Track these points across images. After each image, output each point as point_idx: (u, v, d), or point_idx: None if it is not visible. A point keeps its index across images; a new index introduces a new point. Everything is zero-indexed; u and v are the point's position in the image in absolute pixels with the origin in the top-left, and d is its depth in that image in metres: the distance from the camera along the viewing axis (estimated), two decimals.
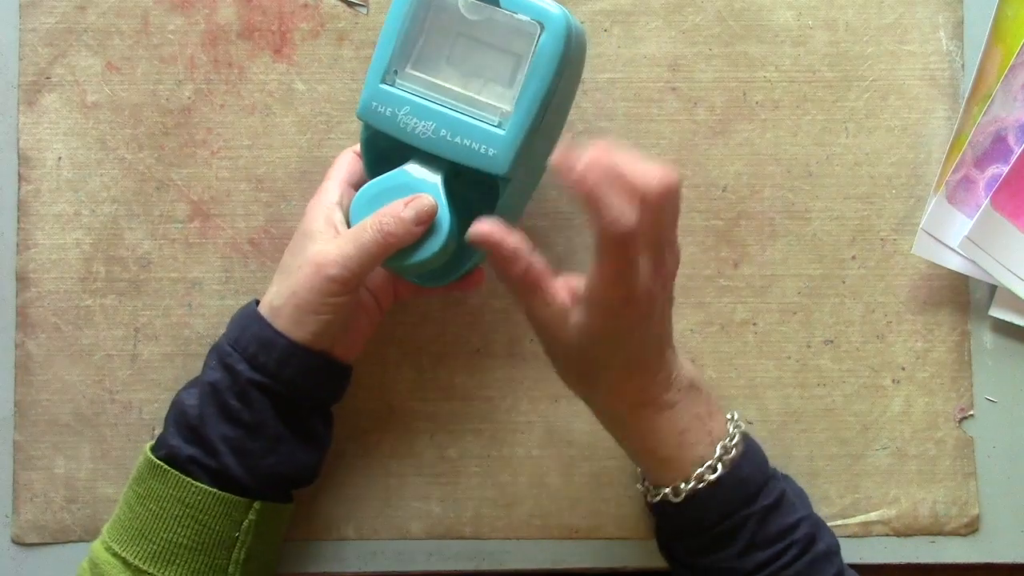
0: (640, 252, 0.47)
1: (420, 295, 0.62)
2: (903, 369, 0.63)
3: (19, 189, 0.63)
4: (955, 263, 0.62)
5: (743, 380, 0.63)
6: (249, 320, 0.55)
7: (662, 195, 0.46)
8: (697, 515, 0.53)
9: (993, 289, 0.63)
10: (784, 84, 0.64)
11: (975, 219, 0.61)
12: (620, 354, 0.50)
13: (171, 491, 0.54)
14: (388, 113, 0.54)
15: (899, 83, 0.64)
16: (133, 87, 0.64)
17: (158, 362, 0.63)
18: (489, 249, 0.49)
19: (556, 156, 0.46)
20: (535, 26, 0.52)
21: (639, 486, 0.56)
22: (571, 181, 0.45)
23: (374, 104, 0.54)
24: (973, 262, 0.62)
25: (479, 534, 0.62)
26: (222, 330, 0.62)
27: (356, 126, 0.63)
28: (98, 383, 0.63)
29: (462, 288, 0.59)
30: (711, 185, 0.63)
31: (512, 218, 0.56)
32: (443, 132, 0.53)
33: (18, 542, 0.62)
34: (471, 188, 0.55)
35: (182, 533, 0.53)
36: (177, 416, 0.55)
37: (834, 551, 0.55)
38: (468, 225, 0.50)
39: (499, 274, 0.50)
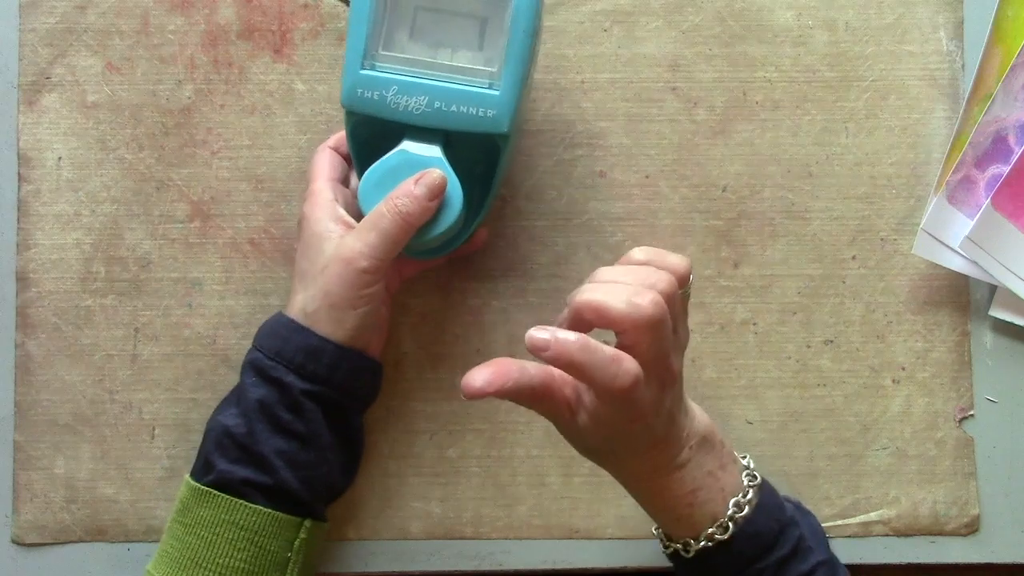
0: (648, 380, 0.47)
1: (424, 268, 0.62)
2: (903, 369, 0.63)
3: (19, 189, 0.63)
4: (955, 263, 0.62)
5: (743, 380, 0.63)
6: (288, 331, 0.54)
7: (656, 321, 0.46)
8: (709, 570, 0.52)
9: (993, 289, 0.63)
10: (784, 84, 0.64)
11: (976, 219, 0.61)
12: (631, 444, 0.50)
13: (223, 515, 0.53)
14: (376, 97, 0.54)
15: (899, 83, 0.64)
16: (133, 87, 0.64)
17: (158, 362, 0.63)
18: (494, 396, 0.47)
19: (528, 338, 0.45)
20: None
21: (653, 531, 0.56)
22: (550, 359, 0.44)
23: (359, 91, 0.54)
24: (974, 262, 0.62)
25: (479, 534, 0.62)
26: (222, 330, 0.63)
27: None
28: (98, 383, 0.63)
29: (466, 251, 0.60)
30: (711, 185, 0.63)
31: (506, 172, 0.58)
32: (437, 104, 0.54)
33: (18, 542, 0.62)
34: (466, 152, 0.56)
35: (238, 557, 0.53)
36: (220, 439, 0.54)
37: None
38: (472, 190, 0.52)
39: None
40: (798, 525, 0.54)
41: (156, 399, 0.63)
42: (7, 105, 0.64)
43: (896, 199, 0.64)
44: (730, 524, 0.52)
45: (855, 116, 0.64)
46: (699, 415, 0.53)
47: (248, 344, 0.63)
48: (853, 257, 0.63)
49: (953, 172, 0.62)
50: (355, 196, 0.56)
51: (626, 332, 0.46)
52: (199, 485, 0.54)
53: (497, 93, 0.54)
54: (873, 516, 0.62)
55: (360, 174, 0.56)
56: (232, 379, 0.63)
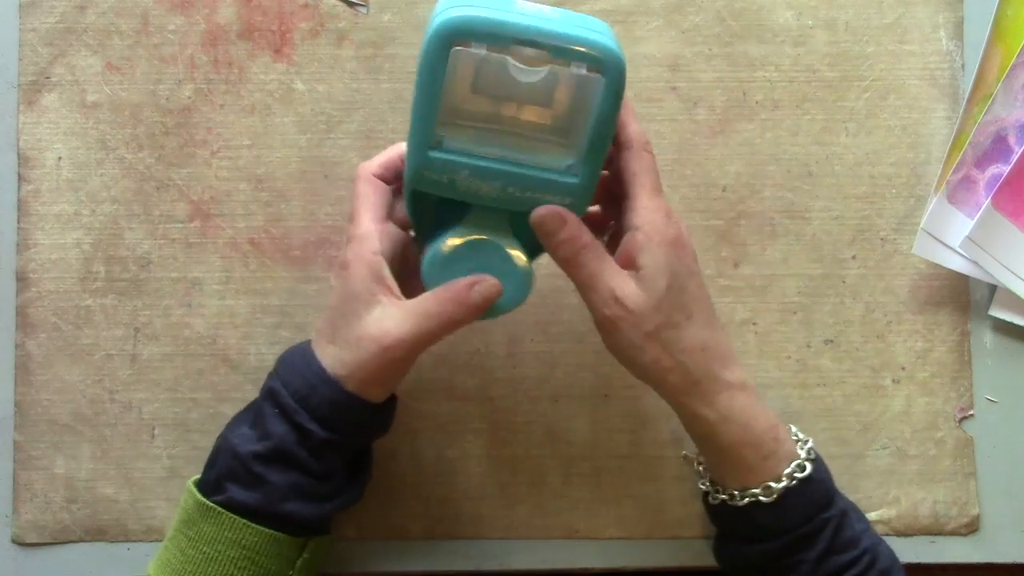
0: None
1: None
2: (903, 369, 0.63)
3: (19, 189, 0.63)
4: (955, 263, 0.62)
5: None
6: (317, 379, 0.53)
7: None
8: (782, 516, 0.52)
9: (993, 289, 0.63)
10: (784, 84, 0.64)
11: (976, 219, 0.61)
12: (697, 303, 0.51)
13: (227, 533, 0.53)
14: (445, 180, 0.50)
15: (899, 83, 0.64)
16: (133, 87, 0.64)
17: (158, 362, 0.63)
18: (552, 231, 0.50)
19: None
20: (594, 77, 0.48)
21: (710, 492, 0.55)
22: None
23: (426, 173, 0.50)
24: (974, 262, 0.62)
25: (479, 534, 0.62)
26: (222, 330, 0.63)
27: (355, 126, 0.63)
28: (98, 383, 0.63)
29: None
30: (711, 185, 0.63)
31: None
32: (511, 190, 0.50)
33: (18, 542, 0.62)
34: (524, 225, 0.52)
35: (238, 575, 0.53)
36: (233, 464, 0.54)
37: (897, 564, 0.55)
38: (532, 253, 0.52)
39: (564, 259, 0.51)
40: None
41: (156, 399, 0.63)
42: (7, 105, 0.64)
43: (896, 199, 0.64)
44: (807, 464, 0.53)
45: (855, 116, 0.64)
46: None
47: (248, 344, 0.63)
48: (853, 257, 0.63)
49: (953, 172, 0.62)
50: (403, 230, 0.55)
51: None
52: (205, 501, 0.54)
53: (576, 180, 0.50)
54: (873, 516, 0.62)
55: (417, 230, 0.54)
56: (232, 379, 0.63)
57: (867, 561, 0.53)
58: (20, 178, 0.63)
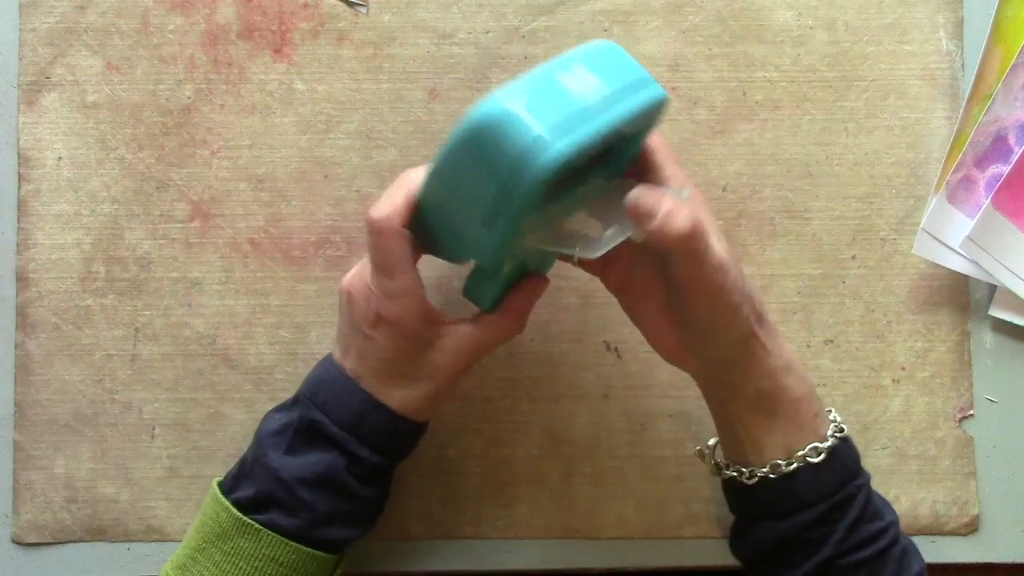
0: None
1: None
2: (903, 369, 0.63)
3: (19, 189, 0.63)
4: (955, 263, 0.62)
5: None
6: (365, 407, 0.53)
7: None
8: (823, 480, 0.52)
9: (993, 289, 0.63)
10: (784, 84, 0.64)
11: (976, 219, 0.61)
12: (734, 307, 0.50)
13: (264, 550, 0.53)
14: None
15: (899, 83, 0.64)
16: (133, 87, 0.64)
17: (158, 362, 0.63)
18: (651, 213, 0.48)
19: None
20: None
21: (742, 475, 0.54)
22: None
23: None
24: (974, 262, 0.62)
25: (479, 534, 0.62)
26: (222, 330, 0.63)
27: (355, 126, 0.63)
28: (98, 383, 0.63)
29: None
30: (711, 185, 0.63)
31: None
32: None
33: (18, 542, 0.62)
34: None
35: None
36: (274, 487, 0.53)
37: (915, 548, 0.55)
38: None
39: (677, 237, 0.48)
40: None
41: (156, 399, 0.63)
42: (7, 105, 0.64)
43: (896, 199, 0.64)
44: (844, 426, 0.53)
45: (855, 116, 0.64)
46: None
47: (248, 344, 0.63)
48: (853, 257, 0.63)
49: (953, 172, 0.62)
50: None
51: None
52: (243, 517, 0.53)
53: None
54: None
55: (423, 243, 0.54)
56: (232, 379, 0.63)
57: (894, 533, 0.52)
58: (20, 178, 0.63)
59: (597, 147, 0.47)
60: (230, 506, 0.54)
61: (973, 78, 0.62)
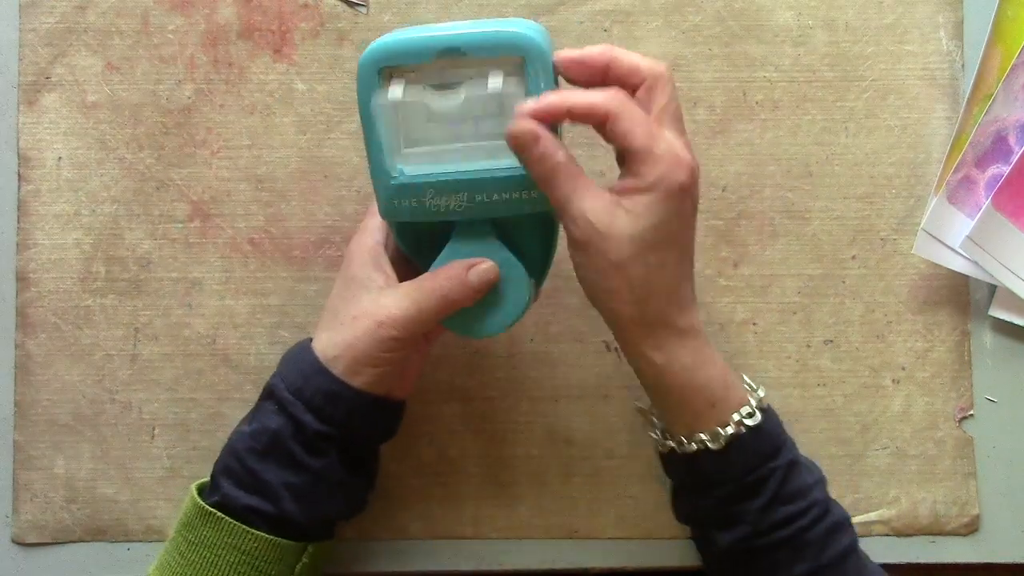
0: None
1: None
2: (903, 369, 0.63)
3: (19, 189, 0.63)
4: (955, 263, 0.62)
5: None
6: (311, 370, 0.53)
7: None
8: (729, 463, 0.52)
9: (993, 289, 0.63)
10: (784, 84, 0.64)
11: (976, 219, 0.61)
12: (677, 249, 0.50)
13: (226, 538, 0.53)
14: (414, 204, 0.52)
15: (899, 83, 0.64)
16: (133, 87, 0.64)
17: (158, 362, 0.63)
18: (526, 145, 0.49)
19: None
20: (515, 62, 0.50)
21: (659, 440, 0.54)
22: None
23: (395, 202, 0.52)
24: (974, 262, 0.62)
25: (479, 534, 0.63)
26: (222, 330, 0.63)
27: (355, 126, 0.63)
28: (98, 383, 0.63)
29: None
30: (711, 185, 0.63)
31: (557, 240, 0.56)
32: (478, 198, 0.51)
33: (18, 542, 0.62)
34: (519, 230, 0.54)
35: None
36: (229, 461, 0.54)
37: (848, 522, 0.54)
38: (529, 267, 0.52)
39: (539, 176, 0.49)
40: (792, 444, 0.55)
41: (156, 399, 0.63)
42: (7, 105, 0.64)
43: (896, 199, 0.64)
44: (757, 412, 0.52)
45: (855, 116, 0.64)
46: None
47: (248, 344, 0.63)
48: (853, 257, 0.63)
49: (953, 172, 0.62)
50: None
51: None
52: (204, 505, 0.54)
53: None
54: (873, 516, 0.62)
55: (420, 263, 0.54)
56: (232, 379, 0.63)
57: (816, 513, 0.52)
58: (20, 178, 0.63)
59: (427, 52, 0.49)
60: (194, 493, 0.55)
61: (973, 78, 0.62)
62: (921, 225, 0.62)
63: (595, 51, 0.50)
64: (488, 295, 0.53)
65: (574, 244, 0.50)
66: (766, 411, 0.53)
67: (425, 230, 0.54)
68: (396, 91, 0.50)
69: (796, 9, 0.64)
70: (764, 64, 0.64)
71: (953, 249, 0.62)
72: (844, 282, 0.63)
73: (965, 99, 0.62)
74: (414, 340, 0.53)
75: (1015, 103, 0.62)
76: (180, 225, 0.63)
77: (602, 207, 0.49)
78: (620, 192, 0.49)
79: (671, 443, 0.53)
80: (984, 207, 0.61)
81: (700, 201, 0.63)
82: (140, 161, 0.63)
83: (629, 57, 0.50)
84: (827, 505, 0.53)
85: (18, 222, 0.63)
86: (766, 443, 0.52)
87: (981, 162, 0.62)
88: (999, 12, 0.62)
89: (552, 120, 0.49)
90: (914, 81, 0.64)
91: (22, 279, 0.63)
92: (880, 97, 0.64)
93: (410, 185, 0.51)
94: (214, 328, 0.63)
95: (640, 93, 0.50)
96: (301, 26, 0.64)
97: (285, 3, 0.64)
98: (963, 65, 0.64)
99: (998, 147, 0.62)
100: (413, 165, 0.51)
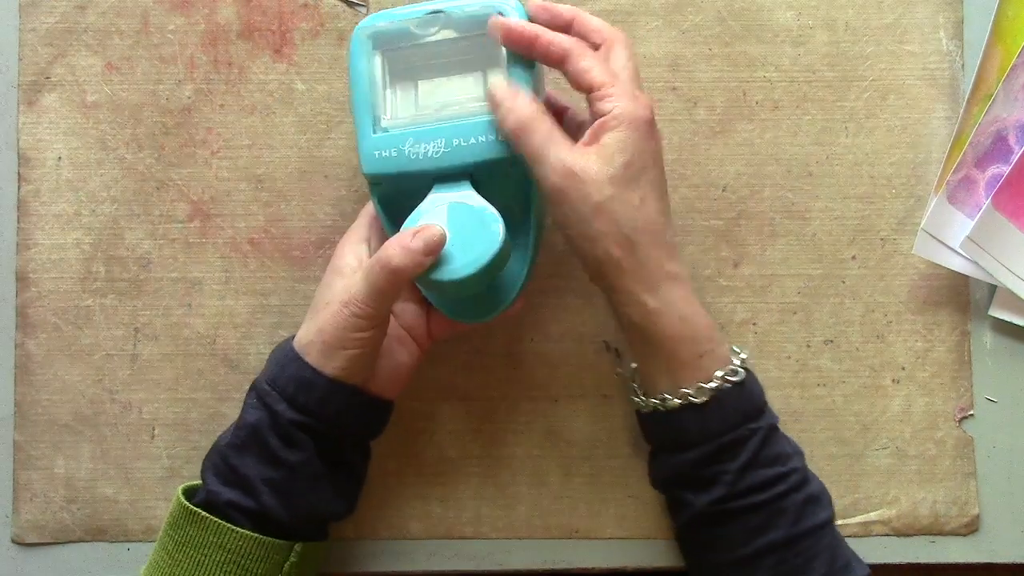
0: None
1: (455, 331, 0.60)
2: (903, 369, 0.63)
3: (19, 189, 0.63)
4: (955, 263, 0.62)
5: None
6: (286, 359, 0.54)
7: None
8: (710, 420, 0.52)
9: (993, 289, 0.63)
10: (784, 84, 0.64)
11: (976, 219, 0.61)
12: (652, 187, 0.51)
13: (211, 537, 0.53)
14: (394, 154, 0.54)
15: (899, 83, 0.64)
16: (133, 87, 0.64)
17: (158, 362, 0.63)
18: (500, 100, 0.52)
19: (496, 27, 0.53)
20: (492, 12, 0.53)
21: (641, 401, 0.55)
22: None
23: (376, 153, 0.54)
24: (974, 262, 0.62)
25: (479, 534, 0.63)
26: (222, 330, 0.63)
27: None
28: (98, 383, 0.63)
29: (505, 315, 0.58)
30: (711, 185, 0.63)
31: (543, 221, 0.57)
32: (456, 141, 0.53)
33: (18, 542, 0.62)
34: (499, 198, 0.54)
35: None
36: (214, 456, 0.55)
37: (826, 498, 0.54)
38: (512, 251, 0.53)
39: (513, 129, 0.51)
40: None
41: (156, 399, 0.63)
42: (7, 105, 0.64)
43: (896, 199, 0.64)
44: (741, 370, 0.52)
45: (855, 116, 0.64)
46: None
47: (248, 344, 0.63)
48: (853, 257, 0.63)
49: (953, 172, 0.62)
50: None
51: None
52: (188, 504, 0.54)
53: None
54: (873, 516, 0.62)
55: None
56: (232, 379, 0.63)
57: (795, 480, 0.52)
58: (20, 178, 0.63)
59: (415, 16, 0.54)
60: (179, 494, 0.55)
61: (973, 78, 0.62)
62: (921, 225, 0.62)
63: (563, 7, 0.54)
64: (464, 247, 0.52)
65: (554, 196, 0.51)
66: (749, 372, 0.53)
67: (406, 203, 0.54)
68: (382, 54, 0.55)
69: (796, 9, 0.64)
70: (764, 64, 0.64)
71: (953, 249, 0.62)
72: (844, 282, 0.63)
73: (965, 99, 0.62)
74: (379, 317, 0.53)
75: (1015, 103, 0.62)
76: (180, 225, 0.63)
77: (576, 152, 0.51)
78: (589, 137, 0.51)
79: (654, 400, 0.54)
80: (984, 207, 0.61)
81: (700, 201, 0.64)
82: (140, 161, 0.63)
83: (593, 19, 0.54)
84: (805, 475, 0.53)
85: (18, 222, 0.63)
86: (748, 403, 0.53)
87: (981, 162, 0.62)
88: (999, 12, 0.62)
89: (519, 42, 0.53)
90: (914, 81, 0.64)
91: (22, 279, 0.63)
92: (880, 97, 0.64)
93: (391, 136, 0.54)
94: (214, 328, 0.63)
95: (600, 52, 0.53)
96: (301, 26, 0.64)
97: (285, 3, 0.64)
98: (963, 65, 0.64)
99: (998, 147, 0.62)
100: (394, 119, 0.55)
